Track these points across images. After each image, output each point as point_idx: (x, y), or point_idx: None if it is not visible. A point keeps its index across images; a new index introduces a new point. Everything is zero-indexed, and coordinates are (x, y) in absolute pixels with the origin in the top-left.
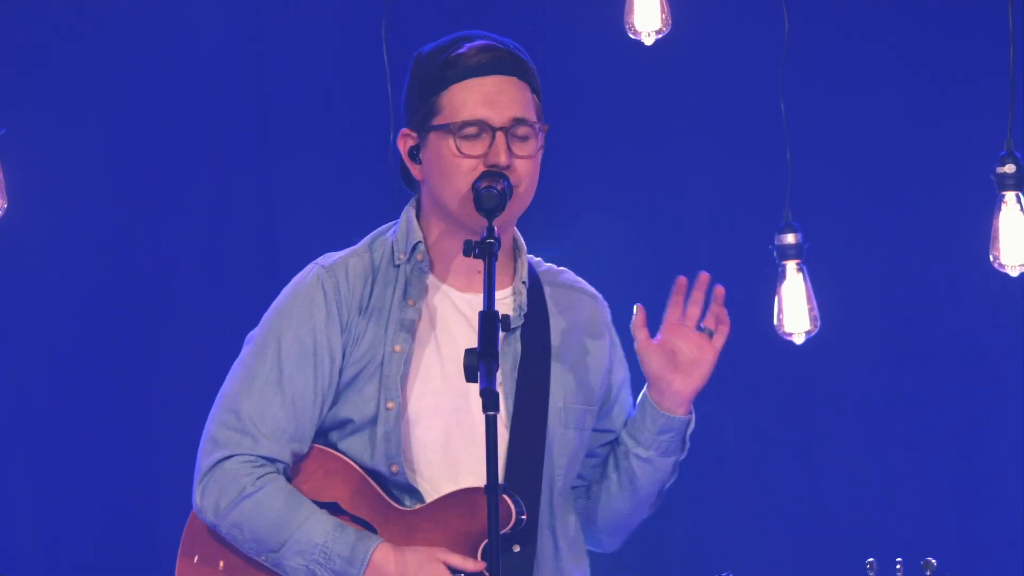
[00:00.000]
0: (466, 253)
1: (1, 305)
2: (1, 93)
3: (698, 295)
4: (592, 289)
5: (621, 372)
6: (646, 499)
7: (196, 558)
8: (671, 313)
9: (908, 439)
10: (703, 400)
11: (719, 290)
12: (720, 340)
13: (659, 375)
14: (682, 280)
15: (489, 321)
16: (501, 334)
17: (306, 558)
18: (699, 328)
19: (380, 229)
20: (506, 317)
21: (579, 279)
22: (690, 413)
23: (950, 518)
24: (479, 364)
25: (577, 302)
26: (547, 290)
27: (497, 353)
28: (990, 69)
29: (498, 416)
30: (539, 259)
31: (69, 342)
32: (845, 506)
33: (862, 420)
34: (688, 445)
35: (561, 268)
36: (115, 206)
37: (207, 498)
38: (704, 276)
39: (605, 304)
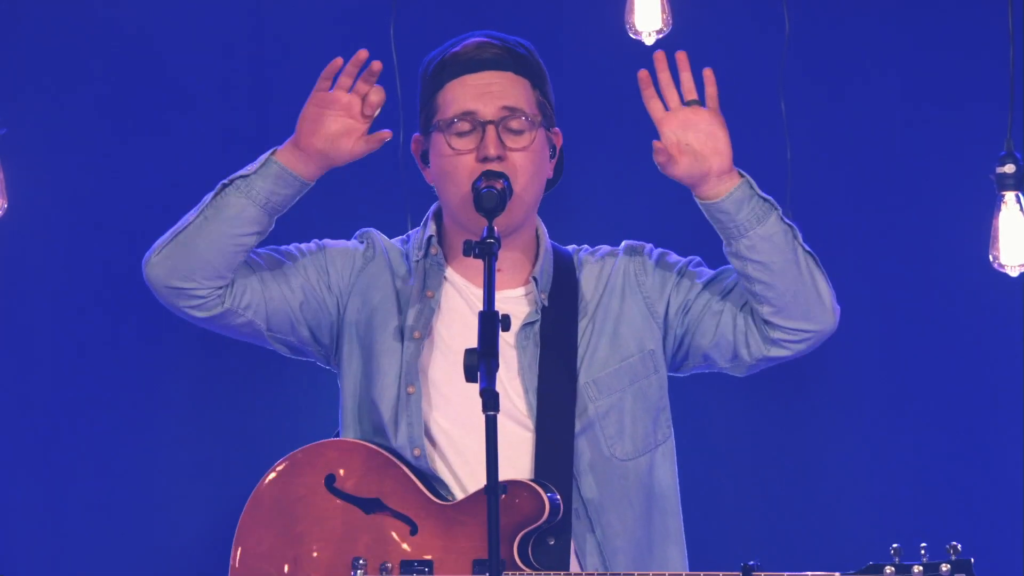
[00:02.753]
0: (466, 253)
1: (1, 305)
2: (1, 93)
3: (664, 76)
4: (624, 244)
5: (665, 270)
6: (791, 266)
7: (239, 551)
8: (653, 108)
9: (908, 439)
10: (703, 401)
11: (680, 56)
12: (712, 101)
13: (692, 171)
14: (643, 72)
15: (489, 321)
16: (511, 331)
17: (235, 189)
18: (684, 104)
19: (412, 231)
20: (506, 317)
21: (614, 248)
22: (741, 176)
23: (950, 517)
24: (479, 364)
25: (609, 268)
26: (583, 273)
27: (497, 353)
28: (990, 69)
29: (518, 412)
30: (580, 246)
31: (70, 342)
32: (845, 505)
33: (862, 420)
34: (768, 197)
35: (599, 247)
36: (115, 206)
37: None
38: (659, 54)
39: (635, 244)
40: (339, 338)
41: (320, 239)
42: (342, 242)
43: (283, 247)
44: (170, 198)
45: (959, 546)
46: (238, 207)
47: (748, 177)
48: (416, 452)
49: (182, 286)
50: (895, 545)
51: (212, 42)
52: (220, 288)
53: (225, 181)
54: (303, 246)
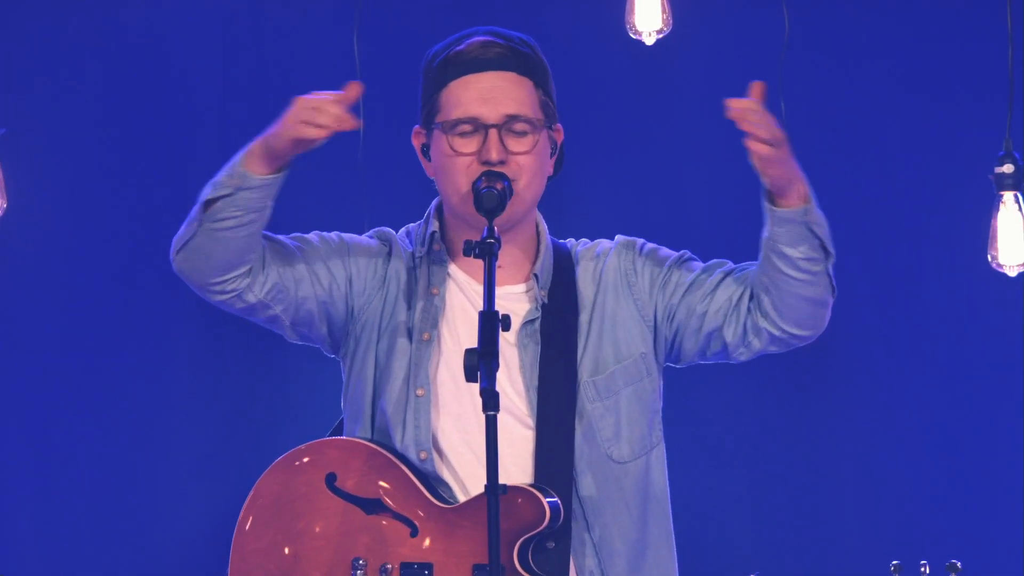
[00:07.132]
0: (466, 253)
1: (1, 304)
2: (1, 93)
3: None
4: (617, 240)
5: (653, 270)
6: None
7: (242, 556)
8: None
9: (908, 439)
10: (703, 401)
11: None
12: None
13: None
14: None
15: (489, 321)
16: (511, 331)
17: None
18: None
19: (409, 225)
20: (506, 317)
21: (608, 242)
22: (808, 202)
23: (949, 517)
24: (479, 364)
25: (604, 264)
26: (580, 269)
27: (497, 353)
28: (989, 69)
29: (519, 411)
30: (578, 241)
31: (70, 341)
32: (844, 505)
33: (862, 420)
34: (829, 249)
35: (596, 241)
36: (115, 205)
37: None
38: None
39: (627, 240)
40: (355, 335)
41: (341, 232)
42: (364, 239)
43: (309, 239)
44: (170, 197)
45: (959, 564)
46: (234, 221)
47: (816, 215)
48: (423, 455)
49: (210, 282)
50: (895, 562)
51: (212, 42)
52: (247, 276)
53: (208, 198)
54: (329, 239)
